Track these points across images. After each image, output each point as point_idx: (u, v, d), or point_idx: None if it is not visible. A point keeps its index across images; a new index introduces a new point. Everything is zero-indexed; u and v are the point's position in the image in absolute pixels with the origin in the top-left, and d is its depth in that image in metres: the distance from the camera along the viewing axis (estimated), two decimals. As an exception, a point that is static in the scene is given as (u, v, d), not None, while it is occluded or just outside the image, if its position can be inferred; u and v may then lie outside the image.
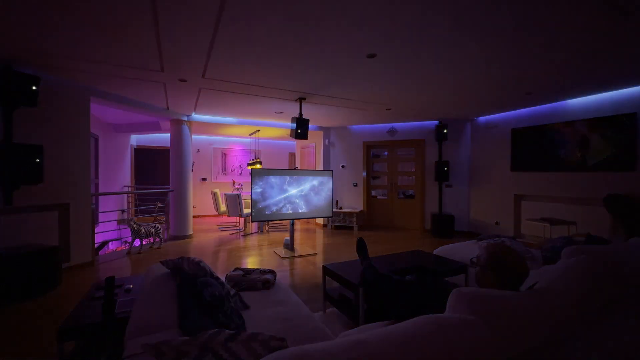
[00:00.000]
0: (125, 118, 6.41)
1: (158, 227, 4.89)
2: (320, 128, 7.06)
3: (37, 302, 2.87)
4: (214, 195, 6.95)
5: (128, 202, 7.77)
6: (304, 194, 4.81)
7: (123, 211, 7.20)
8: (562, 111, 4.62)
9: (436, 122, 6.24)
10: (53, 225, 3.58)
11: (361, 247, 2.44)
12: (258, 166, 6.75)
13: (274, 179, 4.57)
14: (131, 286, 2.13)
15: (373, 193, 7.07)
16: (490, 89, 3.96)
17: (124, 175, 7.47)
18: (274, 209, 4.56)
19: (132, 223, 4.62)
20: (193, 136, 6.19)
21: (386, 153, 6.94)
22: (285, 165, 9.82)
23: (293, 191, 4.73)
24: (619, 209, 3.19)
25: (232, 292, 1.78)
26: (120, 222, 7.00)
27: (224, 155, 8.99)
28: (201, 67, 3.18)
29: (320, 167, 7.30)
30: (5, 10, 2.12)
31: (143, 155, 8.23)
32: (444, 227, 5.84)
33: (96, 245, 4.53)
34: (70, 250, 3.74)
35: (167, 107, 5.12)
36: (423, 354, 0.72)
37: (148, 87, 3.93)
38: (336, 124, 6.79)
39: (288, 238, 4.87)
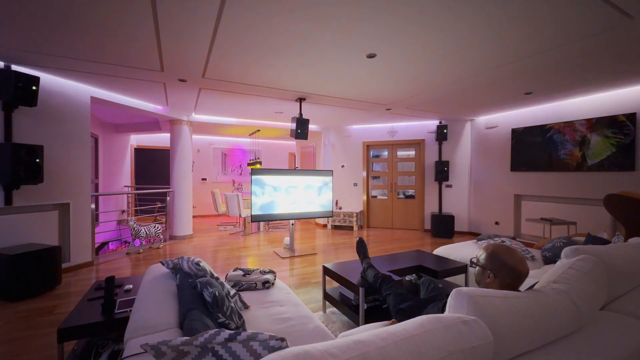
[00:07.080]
0: (125, 118, 6.41)
1: (158, 227, 4.89)
2: (320, 128, 7.06)
3: (37, 302, 2.87)
4: (214, 195, 6.95)
5: (128, 202, 7.77)
6: (303, 194, 4.81)
7: (123, 211, 7.20)
8: (562, 111, 4.62)
9: (436, 122, 6.25)
10: (53, 225, 3.58)
11: (361, 247, 2.45)
12: (258, 166, 6.76)
13: (273, 179, 4.57)
14: (131, 286, 2.13)
15: (373, 193, 7.07)
16: (491, 89, 3.96)
17: (124, 175, 7.47)
18: (274, 209, 4.56)
19: (132, 223, 4.62)
20: (193, 136, 6.19)
21: (386, 153, 6.94)
22: (285, 165, 9.82)
23: (293, 191, 4.73)
24: (618, 209, 3.20)
25: (232, 292, 1.78)
26: (120, 222, 7.01)
27: (224, 155, 8.99)
28: (201, 67, 3.18)
29: (320, 167, 7.30)
30: (5, 11, 2.12)
31: (143, 155, 8.23)
32: (444, 227, 5.84)
33: (96, 246, 4.53)
34: (70, 250, 3.74)
35: (167, 108, 5.12)
36: (423, 354, 0.72)
37: (148, 87, 3.93)
38: (336, 124, 6.79)
39: (288, 238, 4.87)
